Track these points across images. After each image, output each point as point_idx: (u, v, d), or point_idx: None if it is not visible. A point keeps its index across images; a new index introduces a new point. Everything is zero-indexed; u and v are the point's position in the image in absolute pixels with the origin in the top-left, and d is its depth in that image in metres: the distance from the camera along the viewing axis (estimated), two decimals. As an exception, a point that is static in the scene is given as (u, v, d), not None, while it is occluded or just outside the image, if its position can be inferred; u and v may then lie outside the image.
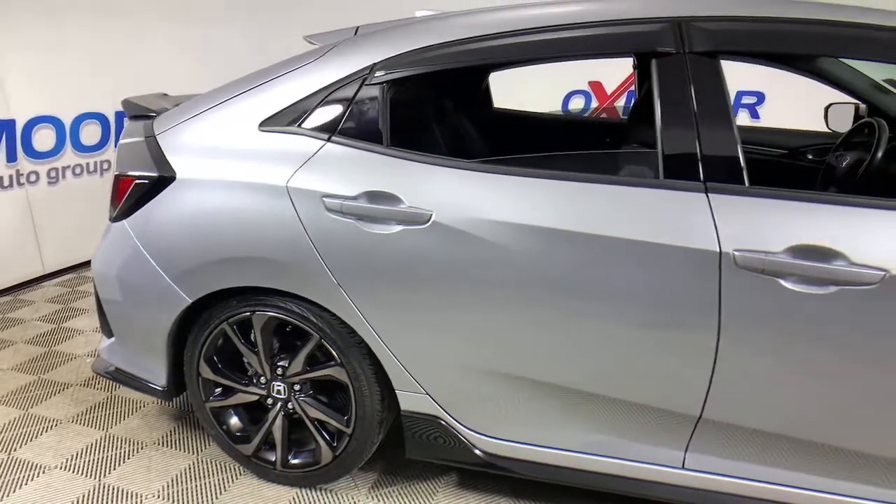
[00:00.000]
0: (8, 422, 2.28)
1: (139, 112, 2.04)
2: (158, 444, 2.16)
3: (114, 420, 2.30)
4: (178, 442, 2.18)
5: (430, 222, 1.58)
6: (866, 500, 1.51)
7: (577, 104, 5.96)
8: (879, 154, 1.81)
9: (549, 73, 5.05)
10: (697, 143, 1.47)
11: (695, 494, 1.63)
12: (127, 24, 3.95)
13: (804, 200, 1.41)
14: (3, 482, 1.97)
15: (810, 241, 1.37)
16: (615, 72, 5.75)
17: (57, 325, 3.10)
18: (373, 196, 1.63)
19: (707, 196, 1.45)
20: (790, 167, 2.60)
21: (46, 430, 2.23)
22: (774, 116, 5.68)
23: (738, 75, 5.55)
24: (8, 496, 1.91)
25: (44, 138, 3.60)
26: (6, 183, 3.46)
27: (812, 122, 4.85)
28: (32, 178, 3.58)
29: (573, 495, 1.87)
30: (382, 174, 1.65)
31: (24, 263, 3.61)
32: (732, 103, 1.54)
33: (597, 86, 5.87)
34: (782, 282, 1.38)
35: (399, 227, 1.61)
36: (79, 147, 3.81)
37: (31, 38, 3.49)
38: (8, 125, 3.44)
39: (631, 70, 3.44)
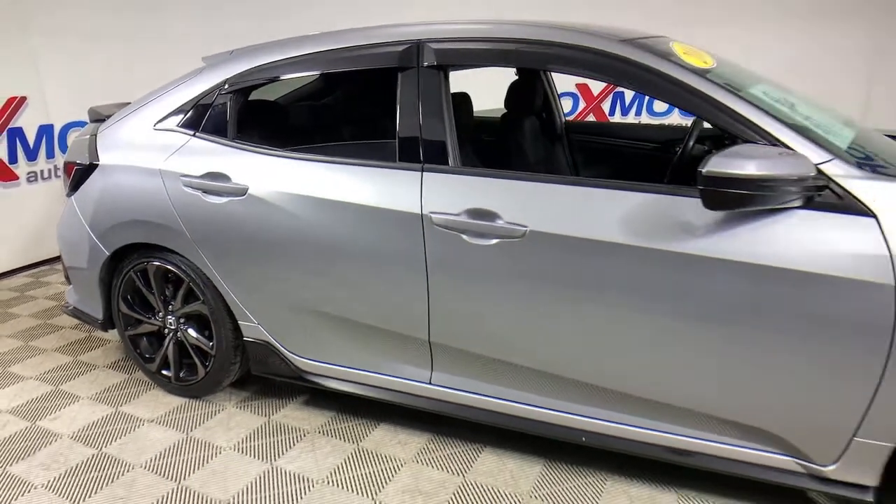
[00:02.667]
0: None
1: (98, 117, 2.76)
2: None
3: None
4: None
5: (246, 195, 2.18)
6: (563, 413, 1.94)
7: (565, 104, 6.31)
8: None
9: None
10: (420, 135, 1.98)
11: (442, 405, 2.12)
12: (157, 47, 4.79)
13: (478, 175, 1.88)
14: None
15: (479, 205, 1.84)
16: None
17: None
18: (211, 175, 2.25)
19: (422, 174, 1.95)
20: (646, 157, 2.98)
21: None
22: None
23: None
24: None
25: (76, 139, 4.49)
26: (46, 175, 4.38)
27: None
28: (67, 171, 4.47)
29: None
30: (221, 159, 2.26)
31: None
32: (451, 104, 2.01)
33: (584, 88, 6.19)
34: (463, 236, 1.86)
35: (227, 199, 2.21)
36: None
37: (69, 56, 4.38)
38: (48, 129, 4.36)
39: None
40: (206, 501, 1.98)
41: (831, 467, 1.66)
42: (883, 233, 1.48)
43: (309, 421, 2.41)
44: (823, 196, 1.54)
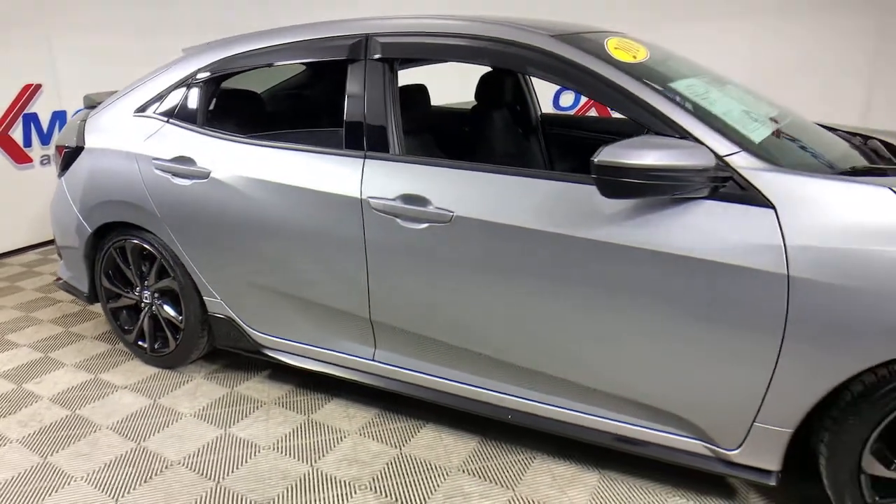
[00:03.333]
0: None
1: (91, 103, 2.94)
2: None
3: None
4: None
5: (209, 178, 2.31)
6: (491, 392, 2.03)
7: (567, 99, 6.33)
8: None
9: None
10: (364, 124, 2.08)
11: (384, 381, 2.23)
12: (167, 37, 4.99)
13: (413, 163, 1.98)
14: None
15: (412, 191, 1.94)
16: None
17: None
18: (179, 159, 2.39)
19: (364, 161, 2.05)
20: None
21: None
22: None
23: (726, 67, 5.72)
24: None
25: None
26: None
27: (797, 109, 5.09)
28: (79, 155, 4.70)
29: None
30: (188, 144, 2.40)
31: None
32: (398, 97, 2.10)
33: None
34: (397, 220, 1.96)
35: (192, 181, 2.35)
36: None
37: (82, 46, 4.60)
38: (61, 115, 4.59)
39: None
40: (160, 461, 2.13)
41: (736, 451, 1.72)
42: (780, 223, 1.52)
43: (268, 393, 2.54)
44: (728, 187, 1.59)
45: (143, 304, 2.72)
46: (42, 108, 4.50)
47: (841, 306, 1.46)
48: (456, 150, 2.74)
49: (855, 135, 2.29)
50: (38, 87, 4.46)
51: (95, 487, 2.01)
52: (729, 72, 6.01)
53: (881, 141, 2.15)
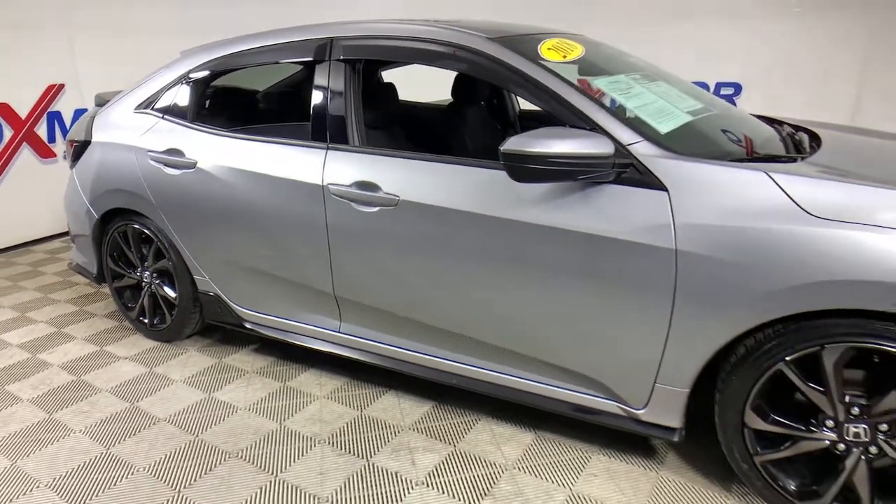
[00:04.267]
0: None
1: (102, 102, 3.24)
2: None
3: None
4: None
5: (195, 168, 2.58)
6: (440, 359, 2.26)
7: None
8: None
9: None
10: (326, 118, 2.32)
11: (349, 351, 2.47)
12: (183, 38, 5.31)
13: (368, 153, 2.21)
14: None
15: (364, 178, 2.17)
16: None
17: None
18: (170, 151, 2.67)
19: (326, 152, 2.30)
20: None
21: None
22: (751, 106, 5.83)
23: (718, 67, 5.84)
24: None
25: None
26: (80, 153, 4.98)
27: (786, 109, 5.28)
28: (99, 150, 5.06)
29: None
30: (178, 138, 2.68)
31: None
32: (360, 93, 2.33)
33: (583, 82, 6.34)
34: (352, 204, 2.20)
35: (181, 171, 2.63)
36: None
37: (103, 48, 4.95)
38: (82, 112, 4.94)
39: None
40: (149, 418, 2.41)
41: (642, 411, 1.92)
42: (671, 204, 1.72)
43: (252, 364, 2.81)
44: (630, 172, 1.78)
45: (143, 284, 3.01)
46: (65, 107, 4.86)
47: (720, 277, 1.65)
48: (432, 144, 2.96)
49: (784, 124, 2.46)
50: (62, 86, 4.82)
51: (91, 438, 2.30)
52: (722, 72, 6.11)
53: (809, 132, 2.33)
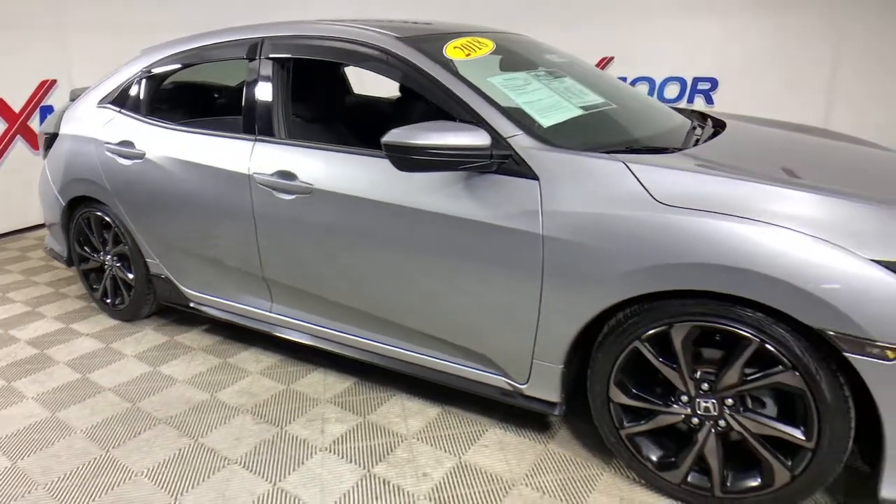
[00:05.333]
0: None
1: (75, 97, 3.46)
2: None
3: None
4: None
5: (144, 158, 2.78)
6: (355, 337, 2.42)
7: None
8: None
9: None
10: (254, 112, 2.49)
11: (281, 329, 2.64)
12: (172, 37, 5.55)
13: (288, 145, 2.37)
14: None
15: (284, 168, 2.34)
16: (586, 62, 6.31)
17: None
18: (123, 143, 2.86)
19: (254, 143, 2.46)
20: None
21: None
22: (727, 100, 5.88)
23: (694, 62, 5.90)
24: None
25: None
26: (73, 146, 5.24)
27: (762, 103, 5.34)
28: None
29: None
30: (131, 131, 2.87)
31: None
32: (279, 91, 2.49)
33: (571, 73, 6.42)
34: (274, 192, 2.37)
35: (132, 161, 2.82)
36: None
37: (94, 45, 5.18)
38: (75, 107, 5.19)
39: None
40: (96, 388, 2.61)
41: (525, 386, 2.06)
42: (540, 193, 1.85)
43: (199, 342, 3.01)
44: (508, 163, 1.92)
45: (105, 267, 3.23)
46: (57, 101, 5.10)
47: (580, 261, 1.78)
48: (370, 136, 3.12)
49: (707, 117, 2.59)
50: (54, 82, 5.07)
51: (41, 404, 2.50)
52: (700, 66, 6.14)
53: (716, 120, 2.46)
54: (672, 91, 6.23)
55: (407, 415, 2.35)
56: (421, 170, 1.91)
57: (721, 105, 5.99)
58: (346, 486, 1.99)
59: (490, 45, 2.44)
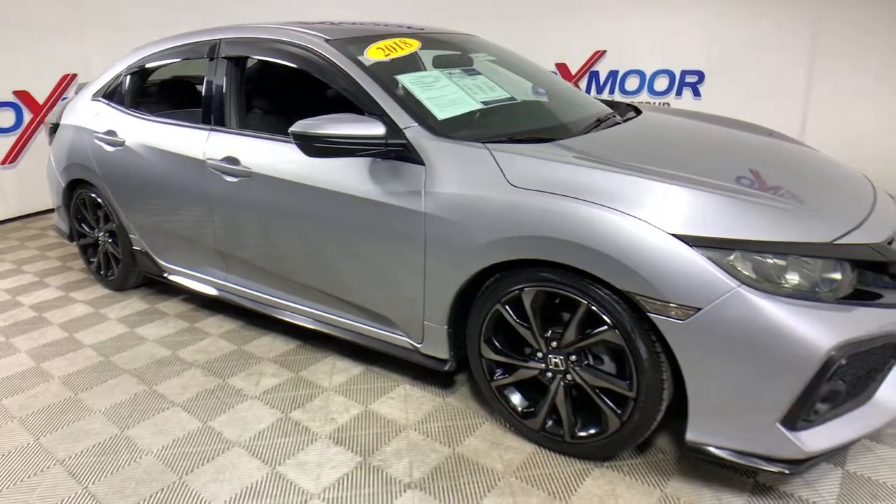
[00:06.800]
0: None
1: (79, 90, 3.90)
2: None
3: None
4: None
5: (124, 146, 3.17)
6: (297, 305, 2.75)
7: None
8: None
9: (526, 56, 6.10)
10: (210, 105, 2.84)
11: (234, 294, 3.00)
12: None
13: (236, 134, 2.71)
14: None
15: (230, 154, 2.68)
16: (577, 56, 6.50)
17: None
18: (108, 132, 3.26)
19: (210, 132, 2.81)
20: None
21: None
22: (714, 93, 5.99)
23: (682, 55, 6.04)
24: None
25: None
26: (91, 135, 5.74)
27: (747, 97, 5.53)
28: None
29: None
30: (116, 121, 3.27)
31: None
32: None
33: (563, 67, 6.64)
34: (223, 175, 2.71)
35: (114, 148, 3.22)
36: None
37: (112, 41, 5.64)
38: (93, 100, 5.68)
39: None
40: (77, 344, 3.03)
41: (421, 345, 2.35)
42: (425, 176, 2.14)
43: (175, 309, 3.40)
44: (403, 150, 2.20)
45: (98, 242, 3.65)
46: (77, 95, 5.61)
47: (452, 234, 2.07)
48: None
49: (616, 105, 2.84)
50: (74, 76, 5.56)
51: (30, 357, 2.93)
52: (688, 59, 6.25)
53: (633, 108, 2.72)
54: (661, 84, 6.37)
55: (334, 372, 2.68)
56: (324, 156, 2.22)
57: (708, 97, 6.10)
58: (264, 426, 2.33)
59: (415, 46, 2.72)
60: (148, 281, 3.67)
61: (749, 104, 5.70)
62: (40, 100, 5.40)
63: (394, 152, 2.20)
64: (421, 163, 2.16)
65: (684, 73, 6.16)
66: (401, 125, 2.22)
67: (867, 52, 4.86)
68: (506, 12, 6.38)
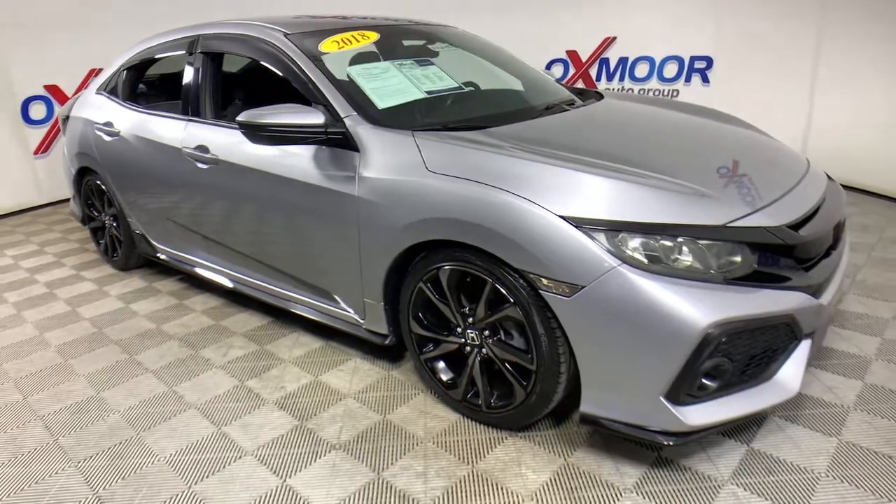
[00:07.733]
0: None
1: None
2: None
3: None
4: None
5: (119, 136, 3.44)
6: (267, 285, 2.96)
7: (557, 71, 6.79)
8: None
9: (534, 43, 6.17)
10: (188, 97, 3.06)
11: (212, 272, 3.23)
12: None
13: (206, 124, 2.92)
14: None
15: (201, 143, 2.89)
16: (588, 44, 6.50)
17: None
18: (106, 122, 3.54)
19: (187, 123, 3.04)
20: None
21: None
22: (723, 78, 5.90)
23: (691, 41, 5.98)
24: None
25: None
26: (117, 126, 6.12)
27: (754, 82, 5.52)
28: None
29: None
30: (113, 113, 3.54)
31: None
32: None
33: (573, 54, 6.64)
34: (196, 163, 2.94)
35: (111, 138, 3.50)
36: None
37: (134, 36, 6.00)
38: (119, 93, 6.06)
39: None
40: (78, 317, 3.33)
41: (364, 320, 2.52)
42: (359, 162, 2.29)
43: (169, 287, 3.67)
44: (343, 138, 2.36)
45: (105, 225, 3.96)
46: (104, 88, 5.98)
47: (379, 216, 2.22)
48: None
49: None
50: (101, 70, 5.92)
51: (34, 327, 3.25)
52: (697, 45, 6.18)
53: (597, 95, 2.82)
54: (671, 70, 6.31)
55: (295, 346, 2.88)
56: (268, 143, 2.40)
57: (716, 82, 6.01)
58: (221, 391, 2.55)
59: (373, 38, 2.86)
60: (150, 262, 3.96)
61: (756, 89, 5.61)
62: (69, 93, 5.79)
63: (334, 140, 2.36)
64: (357, 150, 2.31)
65: (693, 59, 6.09)
66: (341, 114, 2.38)
67: (874, 35, 4.71)
68: (518, 1, 6.41)
